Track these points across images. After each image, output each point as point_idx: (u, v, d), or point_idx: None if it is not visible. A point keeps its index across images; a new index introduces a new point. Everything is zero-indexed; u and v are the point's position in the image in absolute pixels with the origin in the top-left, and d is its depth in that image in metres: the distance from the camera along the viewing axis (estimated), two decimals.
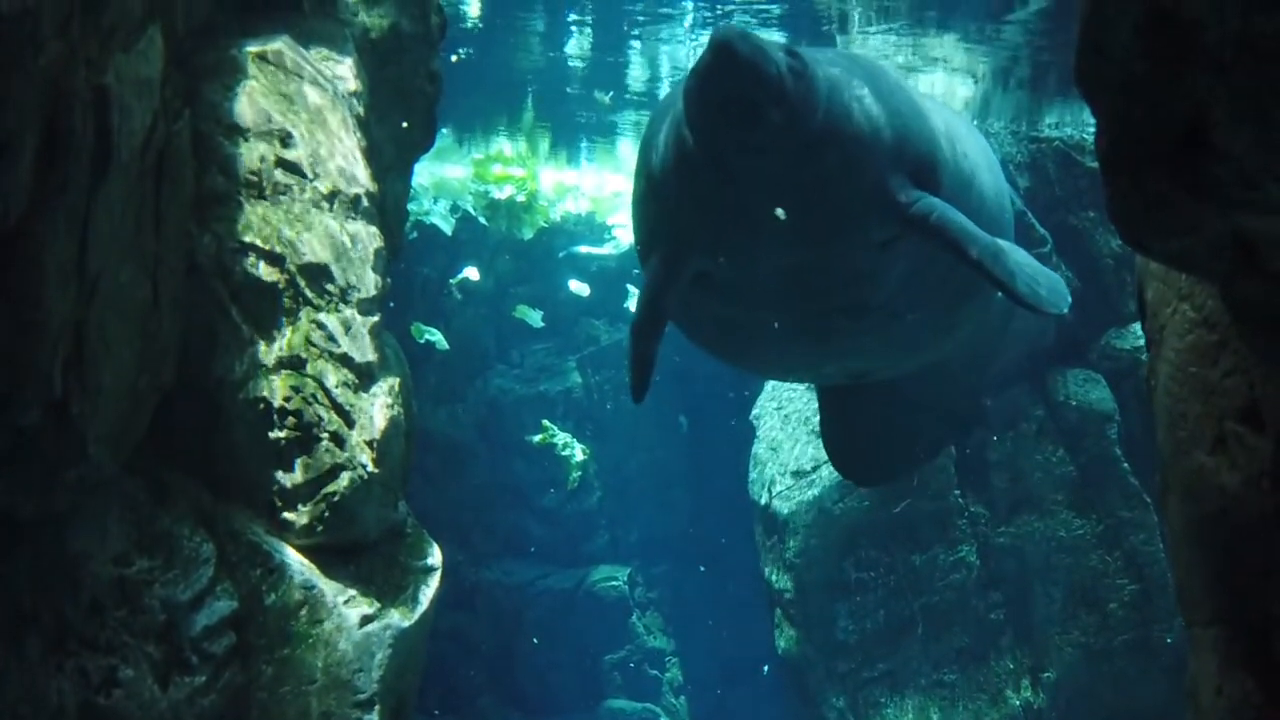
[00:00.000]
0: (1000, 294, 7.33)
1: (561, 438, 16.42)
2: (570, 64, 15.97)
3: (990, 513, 12.96)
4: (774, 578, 13.55)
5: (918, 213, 6.95)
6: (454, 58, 14.54)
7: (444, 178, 17.64)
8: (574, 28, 14.52)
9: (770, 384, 14.74)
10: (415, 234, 15.19)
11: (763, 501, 13.72)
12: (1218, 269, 3.34)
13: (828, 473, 13.06)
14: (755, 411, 14.66)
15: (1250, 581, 3.68)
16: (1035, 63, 14.02)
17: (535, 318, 16.33)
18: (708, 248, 7.01)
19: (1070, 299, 7.63)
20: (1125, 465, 12.68)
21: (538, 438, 16.33)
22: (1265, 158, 2.83)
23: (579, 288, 16.66)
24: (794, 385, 14.26)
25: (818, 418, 13.62)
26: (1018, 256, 7.41)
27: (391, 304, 8.24)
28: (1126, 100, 3.07)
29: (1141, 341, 4.52)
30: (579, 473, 16.53)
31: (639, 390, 7.50)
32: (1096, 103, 3.23)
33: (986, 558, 12.89)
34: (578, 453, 16.46)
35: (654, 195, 7.25)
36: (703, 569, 16.85)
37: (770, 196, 6.72)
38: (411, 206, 12.49)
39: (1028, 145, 13.24)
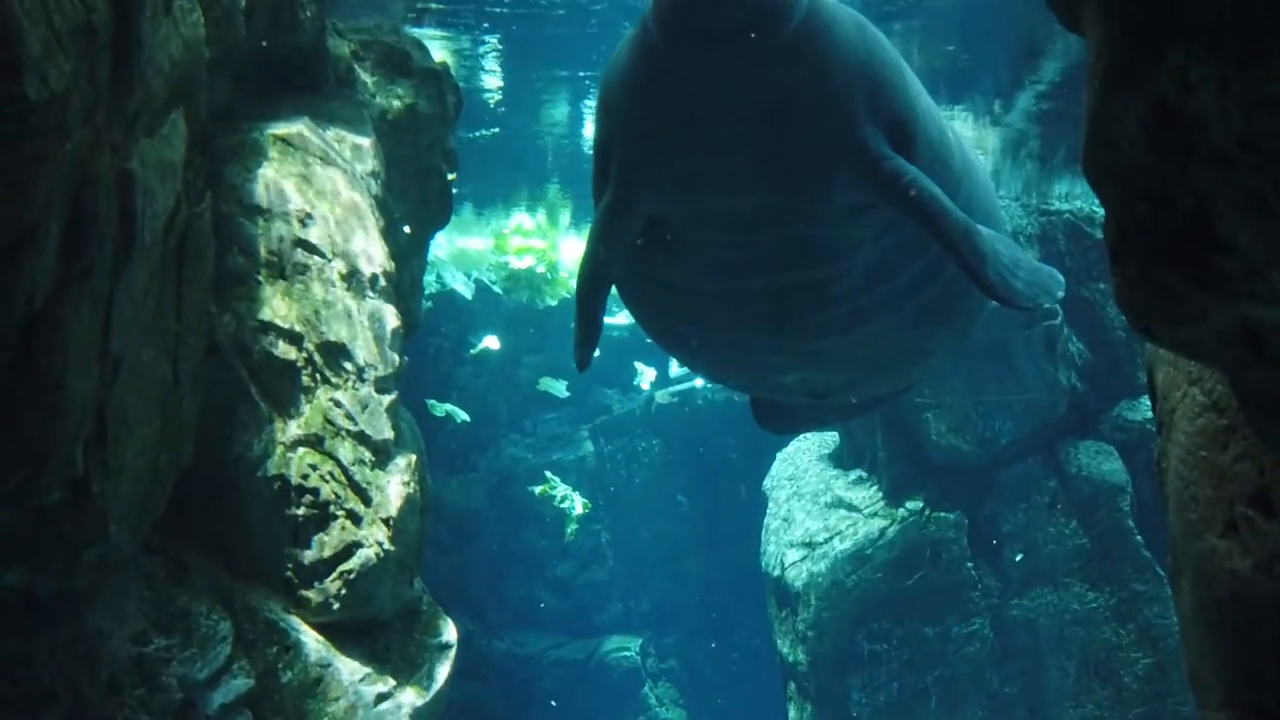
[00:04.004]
0: (981, 290, 6.75)
1: (561, 490, 16.42)
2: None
3: (1003, 585, 12.93)
4: (786, 650, 13.50)
5: (889, 170, 6.40)
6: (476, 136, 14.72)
7: (463, 249, 17.79)
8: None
9: (783, 455, 14.74)
10: (429, 304, 15.30)
11: (775, 573, 13.69)
12: (1225, 357, 3.38)
13: (841, 545, 13.05)
14: (767, 483, 14.66)
15: (1262, 666, 3.69)
16: (1044, 135, 14.14)
17: (560, 388, 16.37)
18: (659, 176, 6.60)
19: (1056, 296, 6.74)
20: (1138, 537, 12.68)
21: (539, 489, 16.33)
22: (1270, 251, 2.88)
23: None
24: (807, 457, 14.26)
25: (831, 491, 13.66)
26: (997, 243, 6.71)
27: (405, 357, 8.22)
28: (1133, 192, 3.12)
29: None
30: (576, 525, 16.50)
31: (583, 355, 6.85)
32: (1104, 194, 3.28)
33: (1000, 630, 12.85)
34: (577, 505, 16.44)
35: (609, 112, 6.84)
36: (714, 644, 16.79)
37: (730, 110, 6.24)
38: (428, 278, 12.58)
39: (1038, 218, 13.34)
